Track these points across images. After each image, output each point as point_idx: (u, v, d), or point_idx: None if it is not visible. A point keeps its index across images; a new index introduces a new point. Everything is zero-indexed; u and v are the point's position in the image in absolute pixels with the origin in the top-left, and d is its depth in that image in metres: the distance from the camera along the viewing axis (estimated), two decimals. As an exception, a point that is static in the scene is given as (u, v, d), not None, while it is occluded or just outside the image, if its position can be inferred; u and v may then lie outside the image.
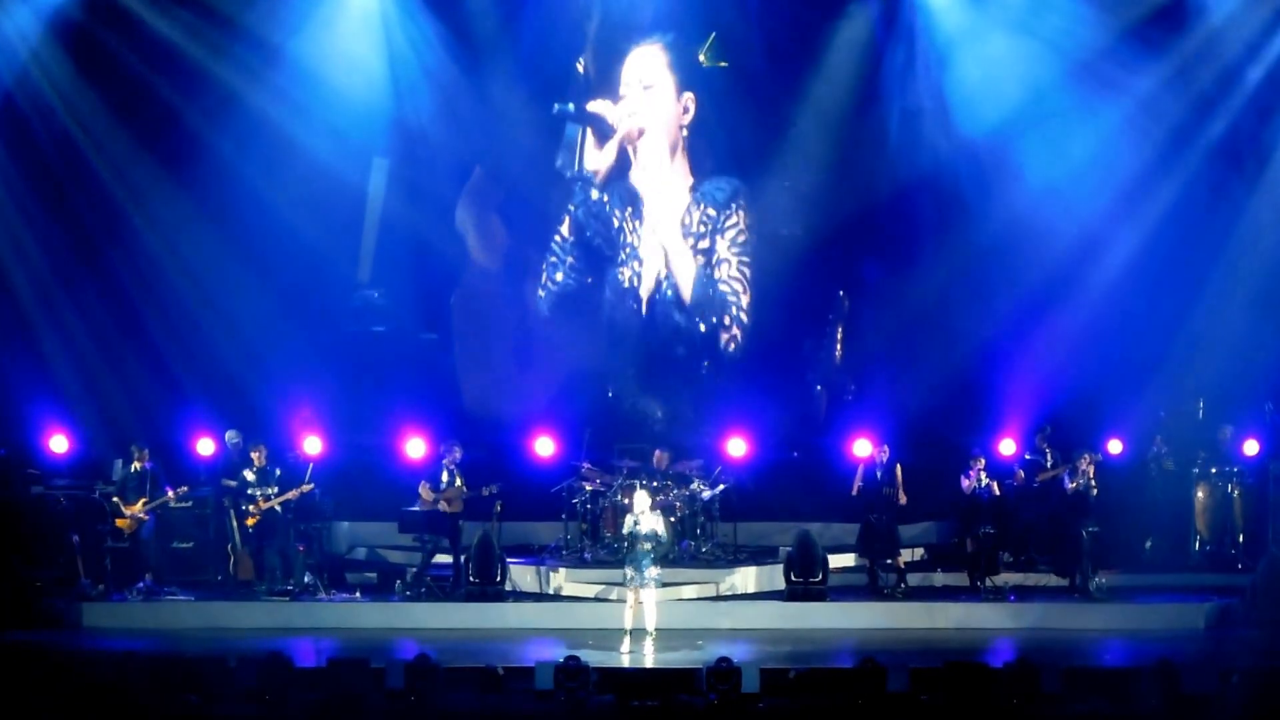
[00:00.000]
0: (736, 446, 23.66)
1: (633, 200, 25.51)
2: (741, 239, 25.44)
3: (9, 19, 23.51)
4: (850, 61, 24.92)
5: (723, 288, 25.39)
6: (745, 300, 25.50)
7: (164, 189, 24.38)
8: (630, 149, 25.46)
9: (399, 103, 24.89)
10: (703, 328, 25.45)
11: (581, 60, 25.26)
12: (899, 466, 22.44)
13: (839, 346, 25.64)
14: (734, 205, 25.40)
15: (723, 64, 25.02)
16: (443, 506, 22.06)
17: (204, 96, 24.16)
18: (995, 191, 24.29)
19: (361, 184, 25.27)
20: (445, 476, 22.20)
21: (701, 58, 25.06)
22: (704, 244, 25.44)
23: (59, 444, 23.04)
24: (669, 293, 25.50)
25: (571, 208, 25.63)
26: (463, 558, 22.14)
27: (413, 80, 24.86)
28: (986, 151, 24.17)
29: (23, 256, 24.17)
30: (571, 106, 25.22)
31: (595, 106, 25.26)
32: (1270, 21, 23.69)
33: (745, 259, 25.41)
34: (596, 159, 25.49)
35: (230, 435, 22.86)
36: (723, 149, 25.41)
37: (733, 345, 25.55)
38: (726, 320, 25.42)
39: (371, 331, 25.60)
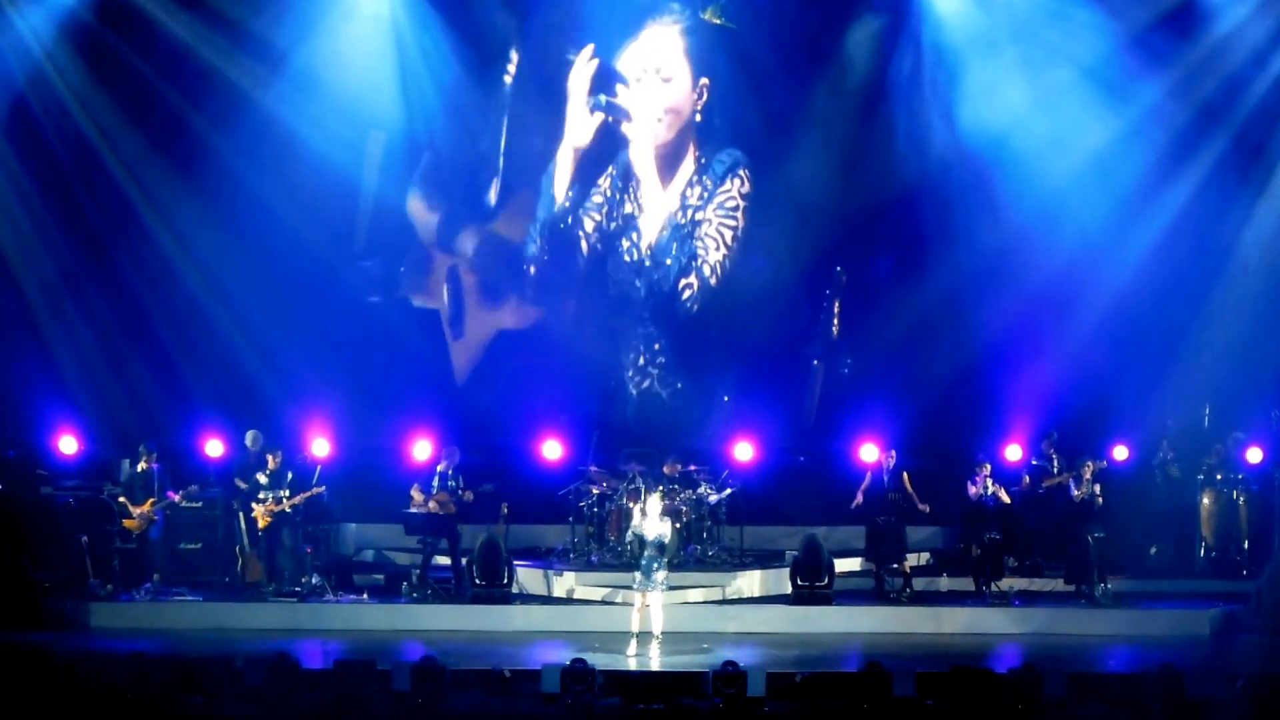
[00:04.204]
0: (743, 450, 23.70)
1: (639, 186, 25.53)
2: (730, 204, 25.43)
3: (21, 20, 23.56)
4: (859, 63, 24.94)
5: (694, 242, 25.40)
6: (715, 258, 25.45)
7: (172, 189, 24.45)
8: (644, 135, 25.50)
9: (407, 101, 24.98)
10: (659, 273, 25.47)
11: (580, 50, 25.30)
12: (906, 474, 22.48)
13: (836, 321, 25.66)
14: (730, 176, 25.41)
15: (729, 24, 24.95)
16: (432, 508, 22.12)
17: (213, 98, 24.26)
18: (1002, 195, 24.29)
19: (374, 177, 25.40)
20: (436, 480, 22.27)
21: (706, 15, 25.02)
22: (699, 215, 25.48)
23: (68, 445, 23.11)
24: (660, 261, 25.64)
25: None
26: (463, 560, 22.21)
27: (418, 76, 24.93)
28: (993, 155, 24.17)
29: (32, 257, 24.24)
30: (604, 99, 25.25)
31: (622, 98, 25.29)
32: (1276, 30, 23.71)
33: (729, 222, 25.40)
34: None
35: (250, 436, 22.88)
36: (732, 128, 25.41)
37: (688, 293, 25.51)
38: (690, 268, 25.42)
39: (366, 302, 25.56)
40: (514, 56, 25.30)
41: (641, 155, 25.50)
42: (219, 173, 24.31)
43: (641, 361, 25.61)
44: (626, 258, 25.62)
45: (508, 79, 25.38)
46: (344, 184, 25.02)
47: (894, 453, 22.61)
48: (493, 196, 25.68)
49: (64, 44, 23.88)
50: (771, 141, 25.26)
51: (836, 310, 25.67)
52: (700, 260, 25.45)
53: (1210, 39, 23.73)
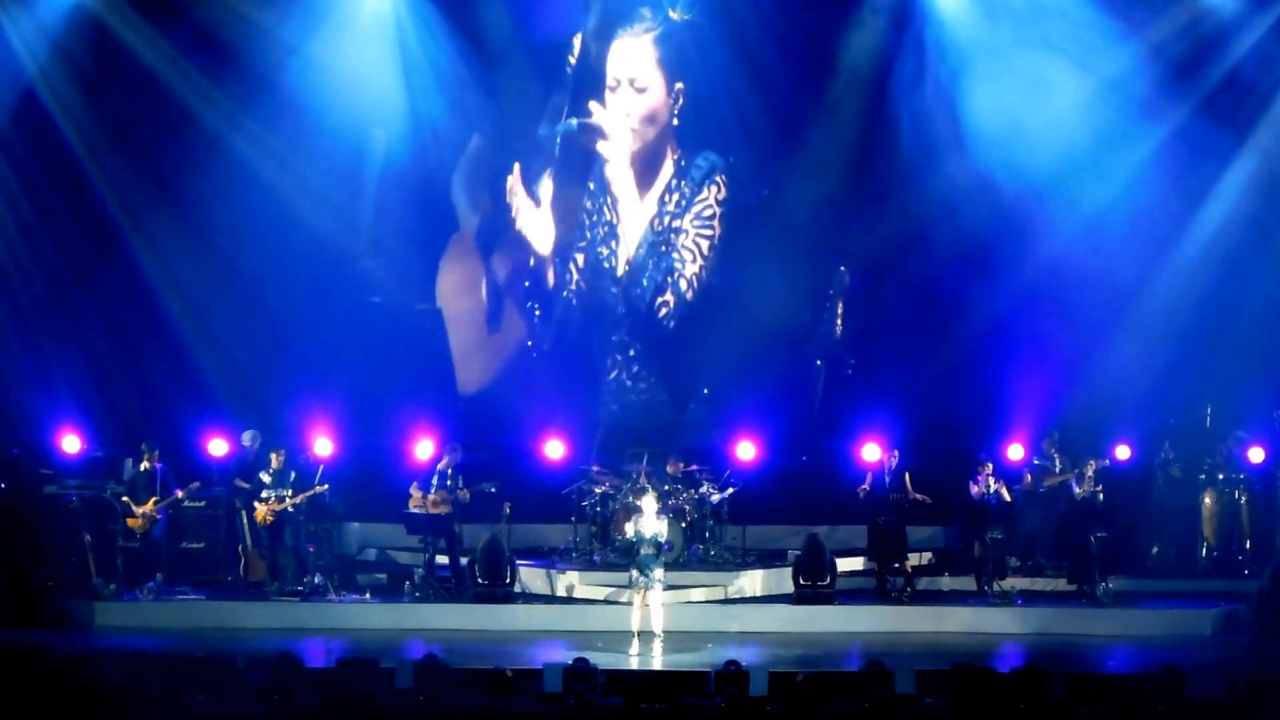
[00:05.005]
0: (745, 450, 23.71)
1: (617, 202, 25.56)
2: (708, 213, 25.43)
3: (23, 20, 23.60)
4: (862, 65, 24.94)
5: (672, 254, 25.43)
6: (691, 270, 25.48)
7: (176, 188, 24.45)
8: (621, 148, 25.49)
9: (411, 100, 25.02)
10: (638, 290, 25.52)
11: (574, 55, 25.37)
12: (908, 475, 22.50)
13: (839, 321, 25.67)
14: (707, 183, 25.40)
15: (696, 17, 24.88)
16: (429, 505, 22.15)
17: (219, 96, 24.26)
18: (1005, 194, 24.28)
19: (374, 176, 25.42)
20: (435, 479, 22.29)
21: (675, 15, 24.97)
22: (676, 223, 25.50)
23: (71, 444, 23.09)
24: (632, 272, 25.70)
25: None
26: (462, 560, 22.25)
27: (422, 76, 24.96)
28: (996, 157, 24.15)
29: (35, 256, 24.24)
30: (575, 123, 25.24)
31: (594, 117, 25.29)
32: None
33: (705, 232, 25.42)
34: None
35: (247, 436, 22.94)
36: (715, 127, 25.35)
37: (664, 311, 25.54)
38: (665, 284, 25.44)
39: (369, 301, 25.56)
40: (576, 44, 25.32)
41: (619, 170, 25.47)
42: (223, 171, 24.29)
43: (617, 371, 25.61)
44: (605, 265, 25.65)
45: (569, 67, 25.43)
46: (348, 183, 25.02)
47: (897, 453, 22.63)
48: (543, 190, 25.70)
49: (68, 42, 23.89)
50: (759, 141, 25.23)
51: (840, 310, 25.67)
52: (677, 275, 25.46)
53: (1218, 43, 23.73)
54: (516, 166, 25.48)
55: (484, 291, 25.81)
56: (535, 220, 25.61)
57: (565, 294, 25.70)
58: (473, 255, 25.84)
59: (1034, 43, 23.97)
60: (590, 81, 25.33)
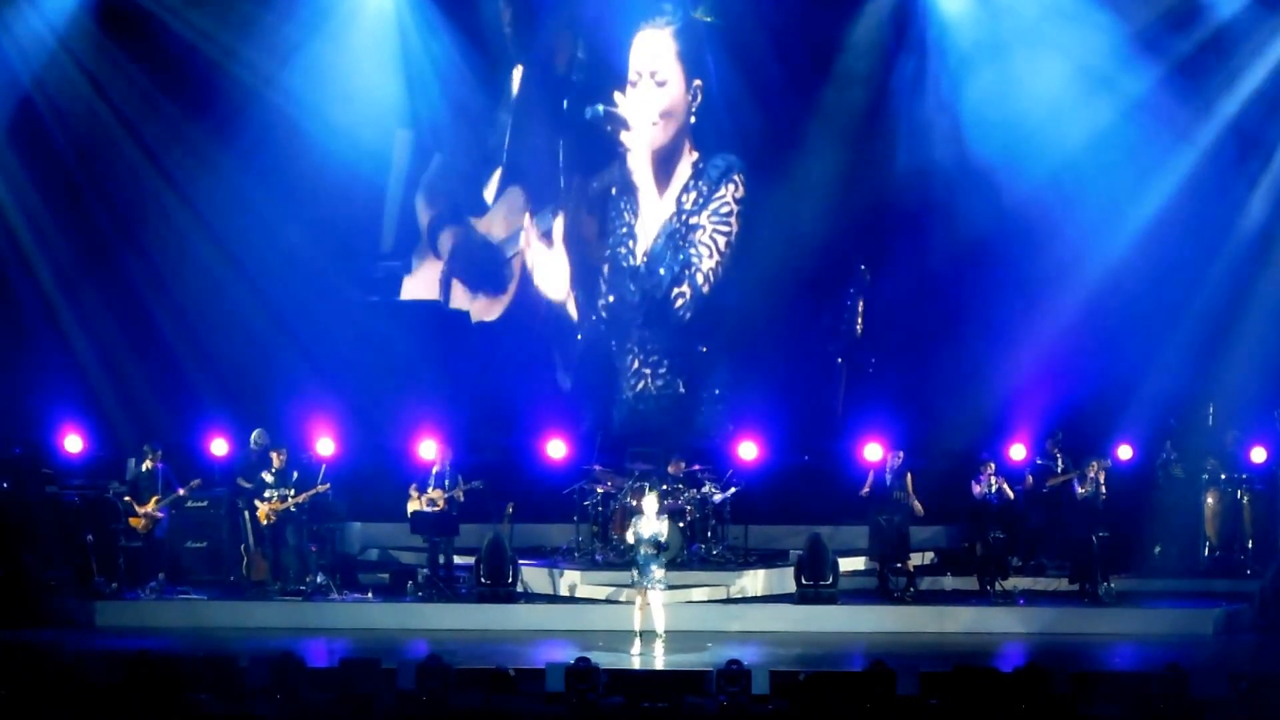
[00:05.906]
0: (747, 450, 23.71)
1: (637, 192, 25.61)
2: (725, 210, 25.48)
3: (28, 20, 23.63)
4: (862, 66, 24.93)
5: (689, 249, 25.48)
6: (708, 265, 25.52)
7: (178, 188, 24.46)
8: (641, 141, 25.55)
9: (413, 95, 25.05)
10: (654, 279, 25.59)
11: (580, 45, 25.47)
12: (910, 475, 22.49)
13: (860, 319, 25.67)
14: (724, 181, 25.47)
15: (715, 19, 25.00)
16: (427, 507, 22.16)
17: (219, 95, 24.30)
18: (1007, 197, 24.28)
19: (377, 172, 25.41)
20: (432, 479, 22.31)
21: (698, 15, 25.05)
22: (694, 219, 25.55)
23: (74, 443, 23.13)
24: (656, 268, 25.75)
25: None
26: (456, 559, 22.29)
27: (425, 74, 24.98)
28: (998, 158, 24.14)
29: (38, 256, 24.25)
30: (601, 109, 25.32)
31: (618, 105, 25.37)
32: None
33: (722, 228, 25.46)
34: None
35: (255, 435, 22.94)
36: (729, 128, 25.42)
37: (680, 302, 25.58)
38: (683, 276, 25.50)
39: (393, 301, 25.67)
40: (520, 65, 25.41)
41: (639, 162, 25.56)
42: (224, 173, 24.35)
43: (637, 364, 25.66)
44: (624, 264, 25.68)
45: (514, 85, 25.49)
46: (352, 183, 25.01)
47: (901, 453, 22.61)
48: (490, 194, 25.78)
49: (70, 44, 23.88)
50: (772, 140, 25.23)
51: (861, 309, 25.67)
52: (694, 269, 25.51)
53: (1217, 43, 23.71)
54: (526, 216, 25.68)
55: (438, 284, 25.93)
56: (548, 262, 25.73)
57: (596, 305, 25.79)
58: (432, 258, 25.92)
59: (1036, 42, 23.97)
60: (532, 110, 25.49)
